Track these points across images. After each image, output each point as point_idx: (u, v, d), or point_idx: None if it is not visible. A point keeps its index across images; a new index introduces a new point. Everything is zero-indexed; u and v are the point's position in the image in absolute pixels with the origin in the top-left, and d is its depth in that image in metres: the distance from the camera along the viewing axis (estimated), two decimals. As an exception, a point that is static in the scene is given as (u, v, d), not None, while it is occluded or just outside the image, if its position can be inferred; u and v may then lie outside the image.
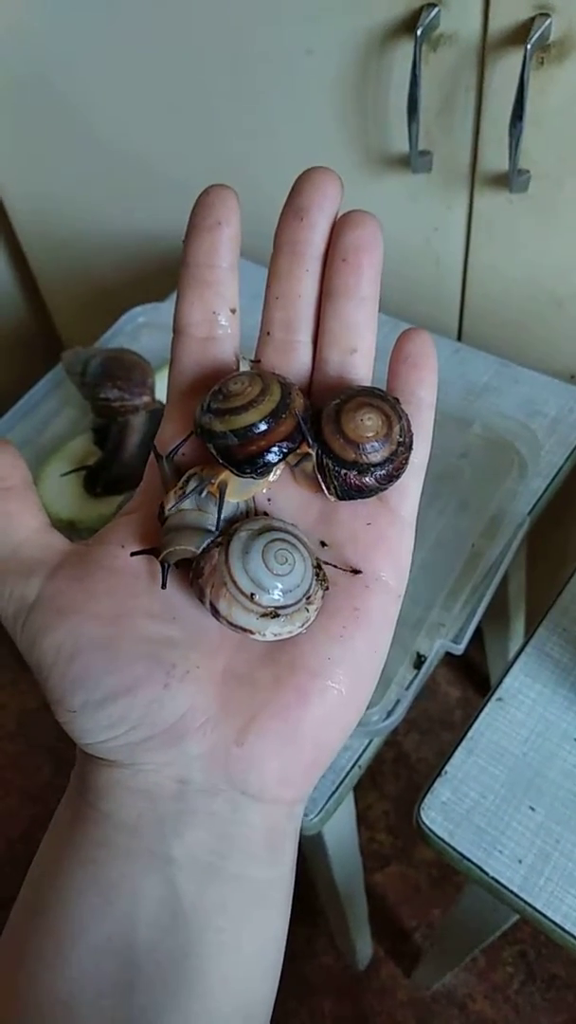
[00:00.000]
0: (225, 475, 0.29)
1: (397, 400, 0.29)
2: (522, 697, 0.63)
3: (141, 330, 0.92)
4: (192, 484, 0.29)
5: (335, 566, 0.29)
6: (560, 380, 0.85)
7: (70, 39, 0.90)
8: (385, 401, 0.29)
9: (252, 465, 0.28)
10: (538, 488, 0.75)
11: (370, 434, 0.28)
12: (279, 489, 0.30)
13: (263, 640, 0.27)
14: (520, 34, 0.65)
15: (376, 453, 0.28)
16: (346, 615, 0.28)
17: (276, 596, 0.27)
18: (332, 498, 0.29)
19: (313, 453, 0.29)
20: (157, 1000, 0.26)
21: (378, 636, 0.29)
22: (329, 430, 0.28)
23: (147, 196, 1.02)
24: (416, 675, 0.63)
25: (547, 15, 0.63)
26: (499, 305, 0.87)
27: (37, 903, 0.27)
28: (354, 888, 0.96)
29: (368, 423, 0.28)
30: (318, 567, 0.28)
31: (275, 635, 0.27)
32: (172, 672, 0.27)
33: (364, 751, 0.63)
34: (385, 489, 0.29)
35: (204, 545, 0.28)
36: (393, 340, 0.30)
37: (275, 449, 0.28)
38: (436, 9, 0.67)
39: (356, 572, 0.29)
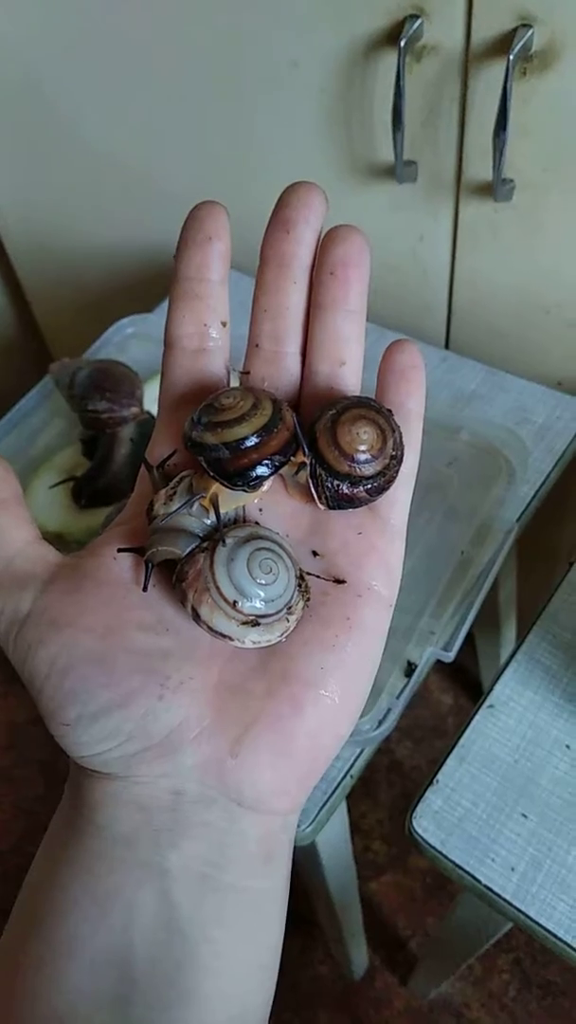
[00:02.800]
0: (216, 488, 0.29)
1: (391, 412, 0.29)
2: (513, 704, 0.63)
3: (129, 341, 0.92)
4: (183, 486, 0.29)
5: (318, 576, 0.29)
6: (547, 387, 0.85)
7: (59, 50, 0.91)
8: (380, 414, 0.29)
9: (243, 478, 0.28)
10: (526, 495, 0.76)
11: (364, 447, 0.28)
12: (270, 499, 0.30)
13: (242, 647, 0.27)
14: (503, 45, 0.65)
15: (369, 466, 0.28)
16: (338, 624, 0.28)
17: (258, 605, 0.27)
18: (322, 507, 0.29)
19: (308, 463, 0.29)
20: (152, 1012, 0.26)
21: (370, 645, 0.29)
22: (324, 441, 0.29)
23: (135, 207, 1.03)
24: (407, 683, 0.63)
25: (529, 26, 0.63)
26: (486, 313, 0.87)
27: (33, 915, 0.27)
28: (349, 897, 0.96)
29: (364, 436, 0.28)
30: (301, 578, 0.28)
31: (254, 643, 0.27)
32: (166, 684, 0.27)
33: (356, 760, 0.63)
34: (374, 500, 0.29)
35: (189, 549, 0.28)
36: (380, 349, 0.30)
37: (266, 462, 0.28)
38: (419, 20, 0.67)
39: (340, 582, 0.29)
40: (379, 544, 0.30)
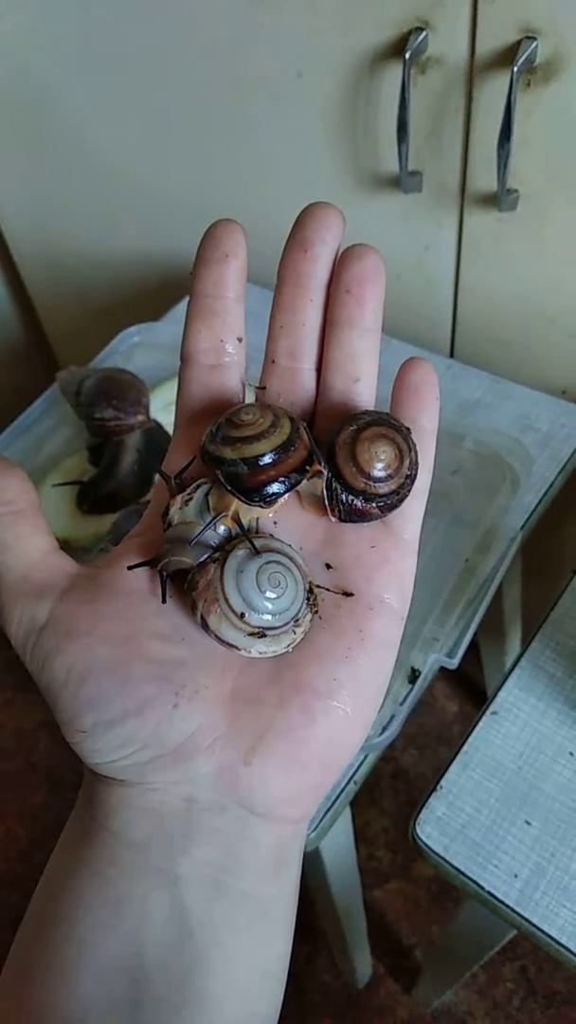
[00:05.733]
0: (235, 504, 0.29)
1: (409, 430, 0.30)
2: (517, 711, 0.64)
3: (136, 349, 0.93)
4: (200, 493, 0.29)
5: (327, 589, 0.29)
6: (552, 395, 0.85)
7: (66, 63, 0.91)
8: (399, 432, 0.29)
9: (259, 494, 0.28)
10: (530, 503, 0.76)
11: (382, 465, 0.29)
12: (286, 512, 0.31)
13: (248, 656, 0.28)
14: (507, 57, 0.66)
15: (384, 484, 0.29)
16: (351, 636, 0.29)
17: (266, 617, 0.27)
18: (334, 519, 0.30)
19: (325, 472, 0.29)
20: (163, 1016, 0.26)
21: (382, 657, 0.29)
22: (343, 457, 0.29)
23: (142, 216, 1.03)
24: (411, 690, 0.63)
25: (533, 38, 0.64)
26: (491, 322, 0.88)
27: (45, 920, 0.27)
28: (353, 905, 0.96)
29: (382, 456, 0.29)
30: (310, 591, 0.29)
31: (260, 653, 0.28)
32: (181, 692, 0.27)
33: (359, 767, 0.63)
34: (384, 516, 0.30)
35: (201, 559, 0.29)
36: (387, 358, 0.31)
37: (282, 479, 0.28)
38: (424, 33, 0.68)
39: (348, 595, 0.29)
40: (392, 557, 0.30)
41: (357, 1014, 1.14)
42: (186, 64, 0.83)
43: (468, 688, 1.37)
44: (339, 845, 0.80)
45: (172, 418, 0.33)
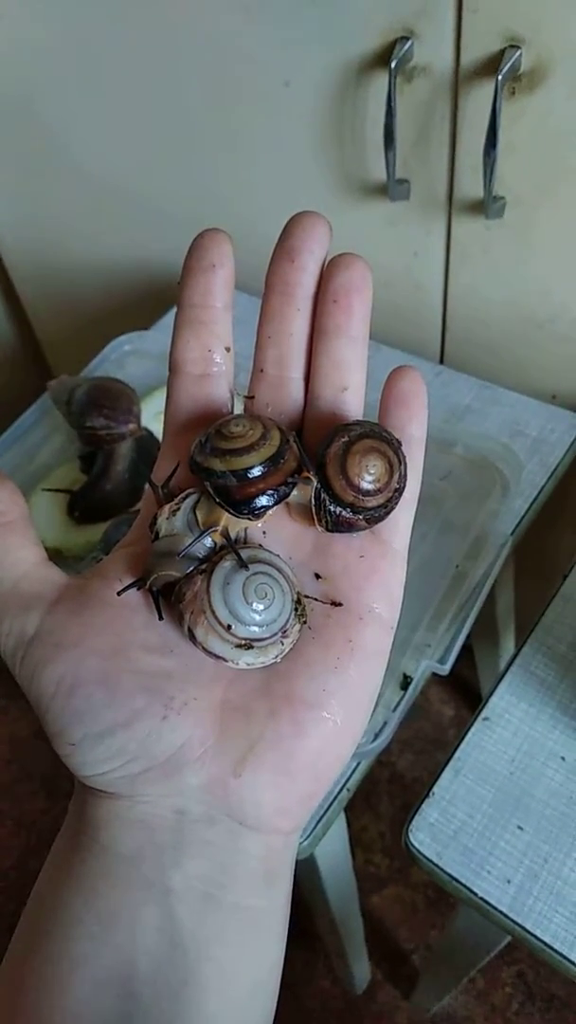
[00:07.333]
0: (224, 518, 0.29)
1: (399, 443, 0.30)
2: (508, 716, 0.64)
3: (127, 358, 0.93)
4: (187, 503, 0.29)
5: (316, 599, 0.29)
6: (541, 401, 0.86)
7: (56, 71, 0.92)
8: (389, 445, 0.29)
9: (247, 507, 0.29)
10: (521, 508, 0.76)
11: (372, 479, 0.29)
12: (274, 522, 0.31)
13: (236, 667, 0.28)
14: (491, 65, 0.66)
15: (373, 498, 0.29)
16: (340, 647, 0.29)
17: (253, 629, 0.27)
18: (321, 529, 0.30)
19: (314, 482, 0.29)
20: None
21: (372, 667, 0.29)
22: (333, 469, 0.29)
23: (132, 226, 1.04)
24: (403, 696, 0.63)
25: (517, 47, 0.64)
26: (480, 328, 0.88)
27: (37, 932, 0.27)
28: (349, 911, 0.96)
29: (372, 471, 0.29)
30: (298, 601, 0.29)
31: (248, 664, 0.28)
32: (170, 704, 0.27)
33: (352, 774, 0.63)
34: (371, 527, 0.30)
35: (188, 570, 0.29)
36: (376, 364, 0.31)
37: (271, 493, 0.29)
38: (410, 42, 0.68)
39: (337, 605, 0.29)
40: (381, 567, 0.30)
41: (356, 1020, 1.13)
42: (174, 74, 0.84)
43: (463, 692, 1.37)
44: (334, 852, 0.80)
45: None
